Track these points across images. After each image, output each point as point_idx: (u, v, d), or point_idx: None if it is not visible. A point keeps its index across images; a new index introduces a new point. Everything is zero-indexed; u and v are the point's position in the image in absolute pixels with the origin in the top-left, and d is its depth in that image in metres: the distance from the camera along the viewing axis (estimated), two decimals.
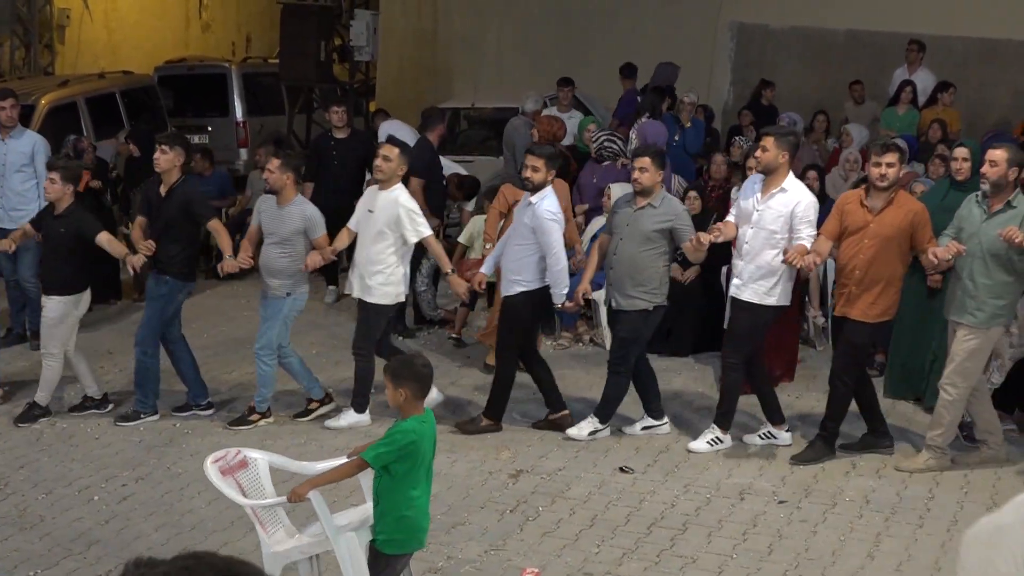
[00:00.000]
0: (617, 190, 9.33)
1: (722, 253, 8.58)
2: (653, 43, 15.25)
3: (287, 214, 7.51)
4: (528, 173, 7.41)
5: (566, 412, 7.66)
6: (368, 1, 17.59)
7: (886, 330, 7.37)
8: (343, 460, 5.16)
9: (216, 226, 7.78)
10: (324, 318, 10.35)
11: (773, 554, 5.95)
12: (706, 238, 7.02)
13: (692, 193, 9.41)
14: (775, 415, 7.42)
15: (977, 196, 6.80)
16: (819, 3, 15.52)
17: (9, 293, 9.48)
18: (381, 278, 7.47)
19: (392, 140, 7.91)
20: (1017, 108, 14.20)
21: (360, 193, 10.66)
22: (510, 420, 7.77)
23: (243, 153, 14.44)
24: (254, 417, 7.72)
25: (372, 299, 7.51)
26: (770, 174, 7.02)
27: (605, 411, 7.50)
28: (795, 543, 6.06)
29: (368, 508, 5.04)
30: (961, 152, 7.49)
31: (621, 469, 7.02)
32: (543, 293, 7.48)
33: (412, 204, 7.49)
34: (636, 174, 7.24)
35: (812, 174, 9.65)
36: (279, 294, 7.54)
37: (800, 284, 8.85)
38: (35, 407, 7.72)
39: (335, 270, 10.57)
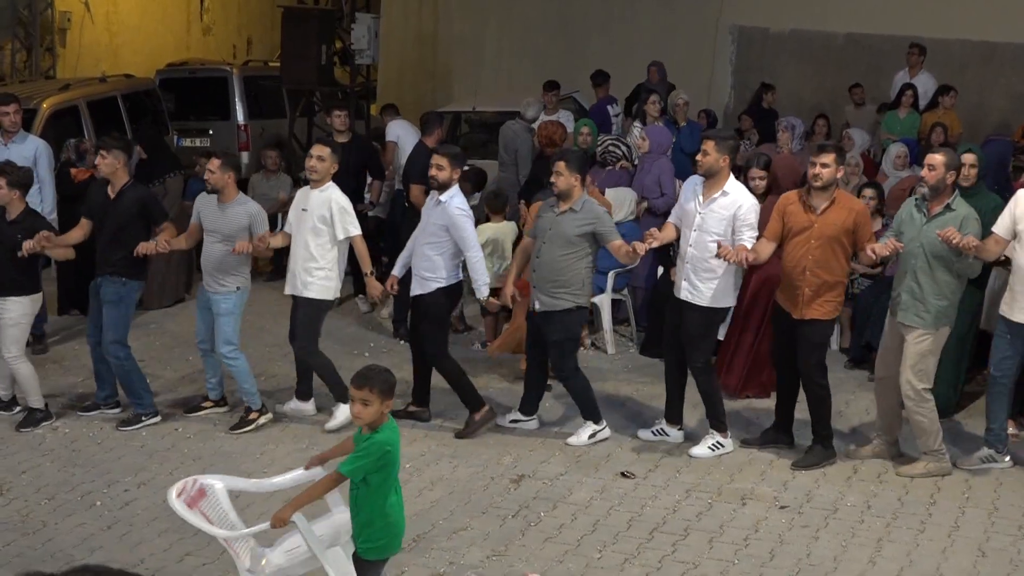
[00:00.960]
0: (611, 195, 9.35)
1: None
2: (652, 47, 15.26)
3: (231, 212, 7.64)
4: (433, 172, 7.59)
5: (425, 409, 7.91)
6: (369, 4, 17.59)
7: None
8: (300, 472, 5.19)
9: (168, 228, 7.82)
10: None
11: (775, 560, 5.96)
12: (641, 248, 7.15)
13: None
14: (674, 415, 7.56)
15: (916, 199, 7.00)
16: (819, 6, 15.52)
17: None
18: (321, 274, 7.66)
19: (322, 140, 8.05)
20: (1015, 111, 14.21)
21: (361, 197, 10.69)
22: (507, 428, 7.79)
23: (245, 156, 14.43)
24: (252, 416, 7.77)
25: (311, 294, 7.68)
26: (711, 177, 7.13)
27: (589, 411, 7.58)
28: (797, 549, 6.08)
29: (338, 519, 5.07)
30: (968, 158, 7.53)
31: (622, 474, 7.03)
32: (457, 288, 7.74)
33: (344, 202, 7.68)
34: (552, 178, 7.40)
35: None
36: (229, 290, 7.66)
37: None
38: (34, 412, 7.74)
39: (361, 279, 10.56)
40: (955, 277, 6.83)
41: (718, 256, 6.89)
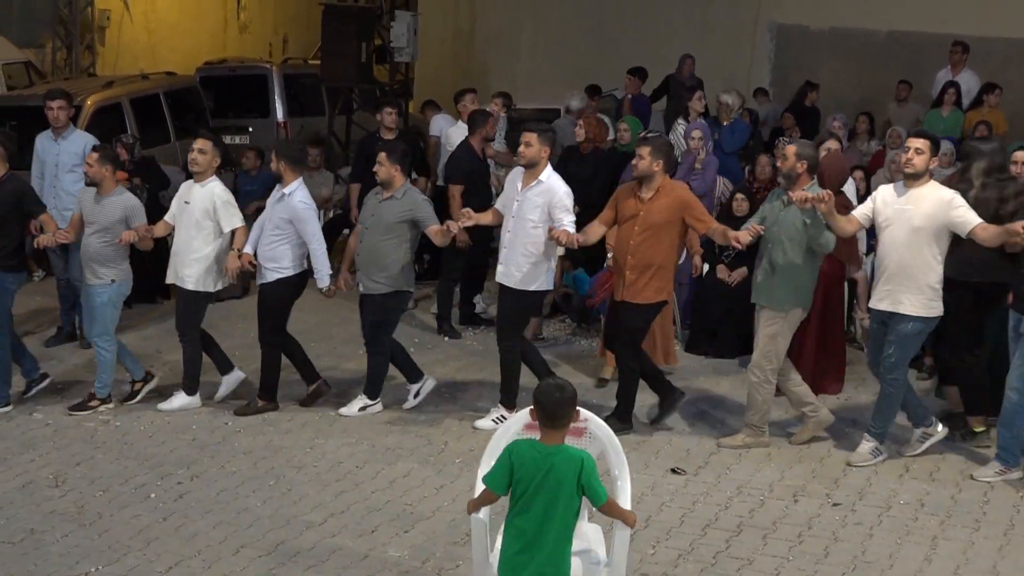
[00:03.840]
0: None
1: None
2: (690, 44, 15.22)
3: (108, 204, 7.85)
4: (272, 165, 7.98)
5: (320, 381, 8.19)
6: (408, 2, 17.62)
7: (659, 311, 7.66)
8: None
9: (47, 219, 8.03)
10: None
11: (829, 556, 5.95)
12: (455, 226, 7.57)
13: (740, 195, 9.37)
14: (509, 398, 7.71)
15: (777, 189, 7.31)
16: (859, 4, 15.44)
17: (60, 291, 9.57)
18: (199, 267, 7.87)
19: (204, 135, 8.18)
20: None
21: None
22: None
23: None
24: (94, 403, 7.97)
25: (190, 287, 7.91)
26: (531, 167, 7.45)
27: (372, 389, 7.98)
28: (851, 546, 6.06)
29: None
30: (1020, 156, 7.50)
31: (673, 471, 7.03)
32: (299, 278, 7.96)
33: (227, 196, 7.94)
34: (376, 167, 7.78)
35: (858, 174, 9.63)
36: (104, 281, 7.86)
37: (846, 286, 8.82)
38: None
39: None
40: (809, 260, 7.05)
41: (550, 239, 7.27)
